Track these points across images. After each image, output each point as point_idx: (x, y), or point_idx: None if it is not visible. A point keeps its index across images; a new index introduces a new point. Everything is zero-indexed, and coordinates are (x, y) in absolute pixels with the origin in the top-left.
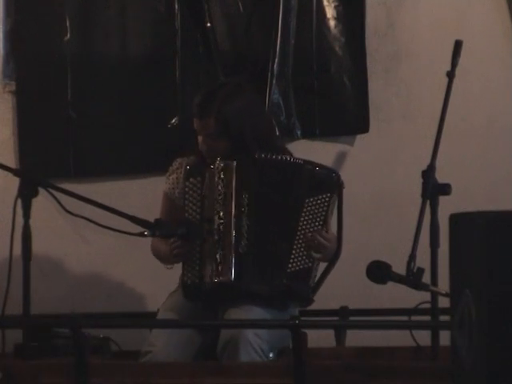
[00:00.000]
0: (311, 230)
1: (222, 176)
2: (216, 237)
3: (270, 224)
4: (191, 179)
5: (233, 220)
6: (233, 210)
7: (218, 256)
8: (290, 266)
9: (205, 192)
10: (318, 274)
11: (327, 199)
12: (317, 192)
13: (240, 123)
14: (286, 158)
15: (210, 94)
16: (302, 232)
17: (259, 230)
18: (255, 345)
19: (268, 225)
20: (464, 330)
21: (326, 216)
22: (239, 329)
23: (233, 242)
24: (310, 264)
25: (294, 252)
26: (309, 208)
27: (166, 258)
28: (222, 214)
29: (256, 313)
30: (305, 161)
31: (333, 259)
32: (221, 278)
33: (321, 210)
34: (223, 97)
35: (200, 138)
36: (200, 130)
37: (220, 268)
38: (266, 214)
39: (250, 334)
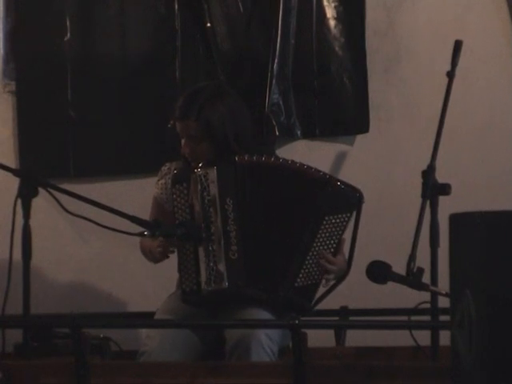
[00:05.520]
0: (325, 248)
1: (204, 184)
2: (207, 244)
3: (266, 230)
4: (177, 185)
5: (220, 226)
6: (219, 217)
7: (211, 263)
8: (298, 280)
9: (191, 199)
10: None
11: (346, 219)
12: (338, 210)
13: (221, 124)
14: (272, 161)
15: (191, 95)
16: (316, 249)
17: (250, 235)
18: (266, 346)
19: (262, 231)
20: (464, 330)
21: (341, 235)
22: (250, 329)
23: (222, 248)
24: (318, 280)
25: (304, 267)
26: (327, 226)
27: (150, 255)
28: (210, 220)
29: (259, 315)
30: (330, 176)
31: (340, 278)
32: (215, 286)
33: (338, 229)
34: (204, 98)
35: (183, 141)
36: (182, 133)
37: (214, 275)
38: (258, 219)
39: (261, 335)
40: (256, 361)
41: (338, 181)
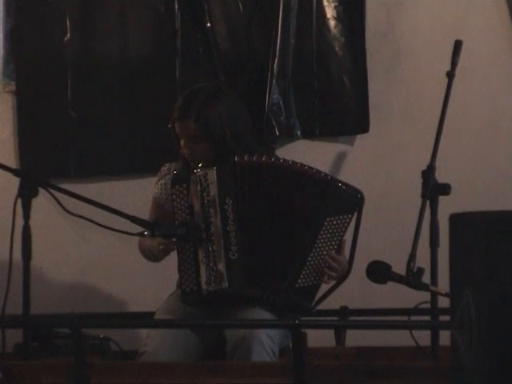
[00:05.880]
0: (327, 249)
1: (203, 184)
2: (207, 244)
3: (266, 230)
4: (177, 186)
5: (220, 226)
6: (219, 217)
7: (211, 263)
8: (299, 281)
9: (191, 200)
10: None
11: (348, 220)
12: (339, 211)
13: (220, 124)
14: (272, 161)
15: (190, 96)
16: (318, 250)
17: (250, 235)
18: (267, 347)
19: (262, 231)
20: (464, 330)
21: (342, 236)
22: (251, 330)
23: (222, 248)
24: (319, 281)
25: (305, 268)
26: (328, 227)
27: (150, 253)
28: (210, 221)
29: (260, 315)
30: (331, 177)
31: (342, 278)
32: (215, 286)
33: (339, 230)
34: (203, 99)
35: (182, 142)
36: (181, 133)
37: (214, 276)
38: (258, 219)
39: (262, 334)
40: (256, 361)
41: (339, 182)
